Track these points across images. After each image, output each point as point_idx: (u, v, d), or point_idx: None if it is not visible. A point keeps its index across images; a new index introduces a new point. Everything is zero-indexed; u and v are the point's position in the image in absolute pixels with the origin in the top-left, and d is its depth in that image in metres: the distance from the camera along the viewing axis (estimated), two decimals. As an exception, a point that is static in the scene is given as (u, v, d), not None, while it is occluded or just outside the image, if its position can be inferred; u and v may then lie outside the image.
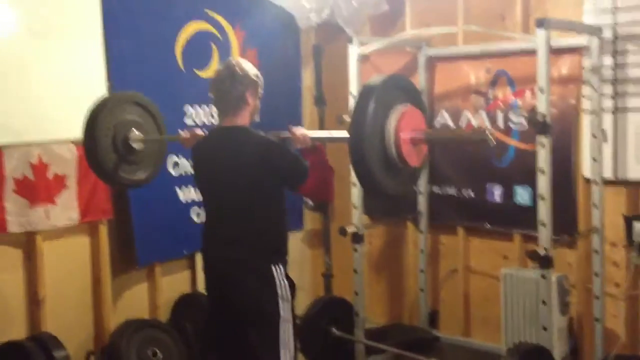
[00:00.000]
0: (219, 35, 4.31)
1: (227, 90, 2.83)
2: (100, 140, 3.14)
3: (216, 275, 2.89)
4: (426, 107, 2.84)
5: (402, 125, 2.48)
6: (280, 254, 2.87)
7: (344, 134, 2.60)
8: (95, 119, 3.15)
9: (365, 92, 2.49)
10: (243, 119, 2.86)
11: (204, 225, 3.01)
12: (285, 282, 2.84)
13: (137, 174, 3.35)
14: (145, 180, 3.40)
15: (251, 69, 2.89)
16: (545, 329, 3.39)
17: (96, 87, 3.68)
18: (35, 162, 3.44)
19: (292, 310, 2.88)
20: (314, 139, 2.86)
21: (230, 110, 2.85)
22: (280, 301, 2.80)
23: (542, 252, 3.34)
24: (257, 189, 2.77)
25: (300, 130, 2.86)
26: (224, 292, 2.84)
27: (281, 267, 2.83)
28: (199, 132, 3.18)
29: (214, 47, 4.29)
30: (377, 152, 2.44)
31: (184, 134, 3.22)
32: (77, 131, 3.57)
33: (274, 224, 2.85)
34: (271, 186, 2.78)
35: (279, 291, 2.80)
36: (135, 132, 3.24)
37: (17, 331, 3.46)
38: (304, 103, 4.94)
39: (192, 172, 3.15)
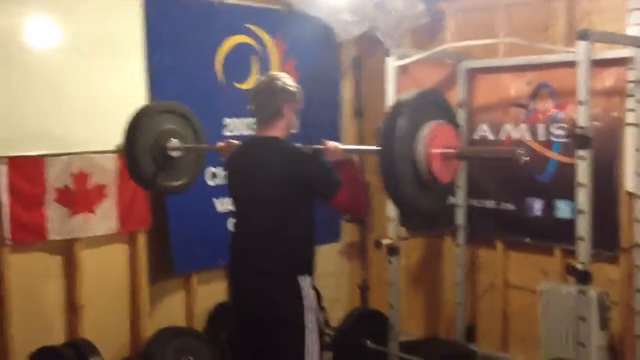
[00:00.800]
0: (258, 48, 4.35)
1: (264, 102, 2.85)
2: (140, 148, 3.22)
3: (242, 286, 2.90)
4: (458, 123, 2.79)
5: (433, 141, 2.46)
6: (307, 266, 2.86)
7: (375, 147, 2.60)
8: (135, 127, 3.22)
9: (397, 107, 2.48)
10: (278, 131, 2.88)
11: (232, 235, 3.03)
12: (312, 292, 2.84)
13: (175, 181, 3.40)
14: (183, 186, 3.44)
15: (290, 82, 2.90)
16: (583, 345, 3.31)
17: (137, 100, 3.76)
18: (76, 172, 3.52)
19: (318, 320, 2.88)
20: (346, 151, 2.86)
21: (266, 122, 2.87)
22: (306, 312, 2.79)
23: (580, 267, 3.26)
24: (286, 199, 2.78)
25: (332, 143, 2.86)
26: (250, 302, 2.84)
27: (307, 278, 2.83)
28: (235, 142, 3.21)
29: (253, 60, 4.33)
30: (407, 167, 2.42)
31: (221, 143, 3.26)
32: (118, 142, 3.67)
33: (302, 235, 2.85)
34: (301, 197, 2.78)
35: (305, 302, 2.79)
36: (173, 141, 3.29)
37: (55, 337, 3.54)
38: (343, 115, 4.94)
39: (227, 181, 3.18)
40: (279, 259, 2.80)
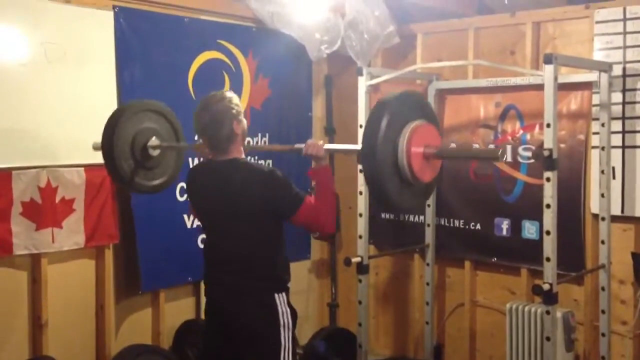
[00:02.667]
0: (231, 65, 4.35)
1: (214, 134, 2.81)
2: (118, 146, 3.13)
3: (217, 301, 2.89)
4: (438, 123, 2.80)
5: (414, 140, 2.45)
6: (282, 282, 2.85)
7: (357, 146, 2.59)
8: (114, 125, 3.14)
9: (379, 107, 2.47)
10: (236, 152, 2.86)
11: (204, 251, 3.01)
12: (288, 309, 2.83)
13: (154, 180, 3.33)
14: (162, 185, 3.37)
15: (226, 100, 2.83)
16: (549, 366, 3.35)
17: (107, 113, 3.71)
18: (43, 186, 3.47)
19: (294, 338, 2.86)
20: (327, 150, 2.81)
21: (224, 147, 2.83)
22: (282, 329, 2.78)
23: (546, 287, 3.31)
24: (256, 219, 2.77)
25: (313, 141, 2.83)
26: (225, 318, 2.83)
27: (284, 294, 2.82)
28: None
29: (226, 76, 4.33)
30: (388, 166, 2.41)
31: (200, 142, 3.12)
32: (86, 156, 3.62)
33: (274, 252, 2.85)
34: (269, 216, 2.78)
35: (280, 319, 2.78)
36: (153, 139, 3.23)
37: (19, 354, 3.46)
38: (314, 132, 4.96)
39: (188, 197, 3.15)
40: (253, 279, 2.79)
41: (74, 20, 3.59)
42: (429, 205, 4.43)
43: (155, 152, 3.27)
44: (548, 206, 3.32)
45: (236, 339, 2.79)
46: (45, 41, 3.48)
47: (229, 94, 2.89)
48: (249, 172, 2.80)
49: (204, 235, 4.10)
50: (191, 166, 3.74)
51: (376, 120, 2.41)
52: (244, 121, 2.90)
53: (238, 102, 2.89)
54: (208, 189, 2.90)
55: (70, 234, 3.59)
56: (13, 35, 3.38)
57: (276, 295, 2.79)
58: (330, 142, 4.96)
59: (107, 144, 3.16)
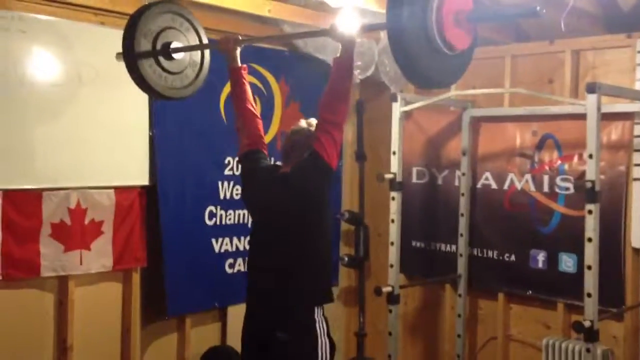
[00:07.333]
0: (263, 89, 4.32)
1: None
2: (140, 42, 2.94)
3: (258, 327, 2.84)
4: None
5: (445, 3, 2.23)
6: (324, 291, 2.86)
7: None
8: (134, 27, 2.94)
9: None
10: None
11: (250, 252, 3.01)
12: (327, 341, 2.79)
13: (181, 87, 3.13)
14: (188, 92, 3.18)
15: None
16: (588, 405, 3.21)
17: (139, 136, 3.71)
18: (73, 207, 3.44)
19: None
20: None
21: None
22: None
23: (587, 324, 3.19)
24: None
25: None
26: (264, 344, 2.78)
27: (324, 325, 2.79)
28: (237, 36, 3.09)
29: (257, 100, 4.29)
30: (417, 33, 2.21)
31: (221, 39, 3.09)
32: (117, 178, 3.60)
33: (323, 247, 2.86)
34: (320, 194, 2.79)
35: (319, 352, 2.74)
36: (175, 42, 3.04)
37: (43, 378, 3.41)
38: (344, 158, 4.90)
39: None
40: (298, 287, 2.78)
41: (107, 42, 3.57)
42: (461, 235, 4.33)
43: (179, 55, 3.06)
44: (590, 240, 3.21)
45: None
46: (80, 62, 3.47)
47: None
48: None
49: (232, 260, 4.12)
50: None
51: None
52: None
53: None
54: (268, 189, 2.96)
55: (98, 256, 3.55)
56: (47, 56, 3.37)
57: (317, 319, 2.76)
58: (361, 168, 4.90)
59: (129, 38, 2.94)
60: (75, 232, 3.45)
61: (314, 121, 2.89)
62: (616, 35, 3.89)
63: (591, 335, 3.19)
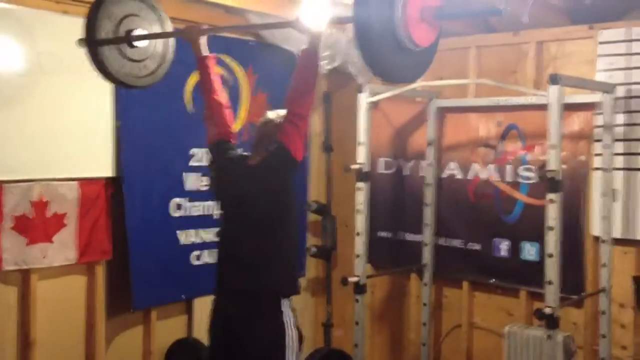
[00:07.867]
0: (229, 79, 4.29)
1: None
2: (103, 25, 2.89)
3: (225, 319, 2.85)
4: None
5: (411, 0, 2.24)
6: (291, 282, 2.89)
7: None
8: (95, 14, 2.89)
9: None
10: None
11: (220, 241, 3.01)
12: (295, 332, 2.80)
13: (142, 74, 3.07)
14: (149, 80, 3.13)
15: None
16: (549, 391, 3.28)
17: (103, 127, 3.66)
18: (35, 200, 3.39)
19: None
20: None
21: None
22: (287, 352, 2.75)
23: (548, 311, 3.25)
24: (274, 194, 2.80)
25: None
26: (231, 335, 2.79)
27: (292, 316, 2.81)
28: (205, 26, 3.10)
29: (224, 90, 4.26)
30: (383, 29, 2.21)
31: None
32: (81, 170, 3.55)
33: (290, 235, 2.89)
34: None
35: (287, 342, 2.75)
36: (138, 29, 2.97)
37: (6, 373, 3.37)
38: (312, 149, 4.90)
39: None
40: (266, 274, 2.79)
41: (70, 31, 3.51)
42: (427, 224, 4.37)
43: (142, 43, 3.00)
44: (551, 228, 3.26)
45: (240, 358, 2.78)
46: (41, 52, 3.41)
47: None
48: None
49: (198, 252, 4.10)
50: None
51: None
52: None
53: None
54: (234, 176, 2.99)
55: (62, 249, 3.50)
56: (7, 45, 3.30)
57: (283, 310, 2.78)
58: (328, 159, 4.91)
59: (90, 37, 2.89)
60: (38, 225, 3.40)
61: (283, 112, 2.89)
62: (579, 27, 3.95)
63: (552, 322, 3.26)
